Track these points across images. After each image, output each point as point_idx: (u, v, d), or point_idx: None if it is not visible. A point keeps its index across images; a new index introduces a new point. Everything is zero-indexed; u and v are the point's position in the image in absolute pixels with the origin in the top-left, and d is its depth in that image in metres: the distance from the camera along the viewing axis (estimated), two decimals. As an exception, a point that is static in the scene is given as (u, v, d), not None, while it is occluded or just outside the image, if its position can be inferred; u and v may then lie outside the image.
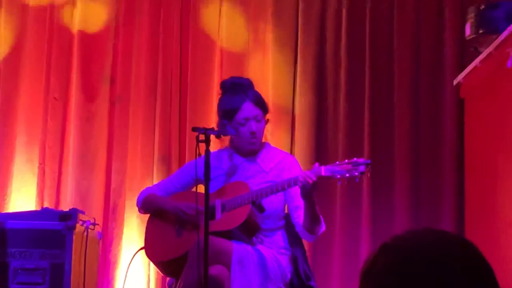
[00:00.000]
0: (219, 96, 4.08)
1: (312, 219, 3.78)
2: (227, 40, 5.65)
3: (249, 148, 3.98)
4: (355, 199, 5.29)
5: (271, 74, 5.52)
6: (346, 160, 3.69)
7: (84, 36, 5.72)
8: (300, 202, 3.79)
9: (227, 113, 3.95)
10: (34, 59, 5.70)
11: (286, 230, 3.98)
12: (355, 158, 3.70)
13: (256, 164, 4.00)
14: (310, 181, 3.61)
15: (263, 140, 4.09)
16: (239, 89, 3.97)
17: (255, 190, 3.81)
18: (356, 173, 3.64)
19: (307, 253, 4.17)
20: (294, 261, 3.94)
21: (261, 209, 3.82)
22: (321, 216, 3.83)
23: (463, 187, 5.14)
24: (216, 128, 3.92)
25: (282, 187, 3.72)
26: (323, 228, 3.87)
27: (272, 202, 3.86)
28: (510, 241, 4.17)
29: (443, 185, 5.28)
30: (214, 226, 3.78)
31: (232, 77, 4.21)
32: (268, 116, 4.05)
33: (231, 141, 4.05)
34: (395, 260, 1.34)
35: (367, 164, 3.65)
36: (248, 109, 3.92)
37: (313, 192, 3.67)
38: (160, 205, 4.05)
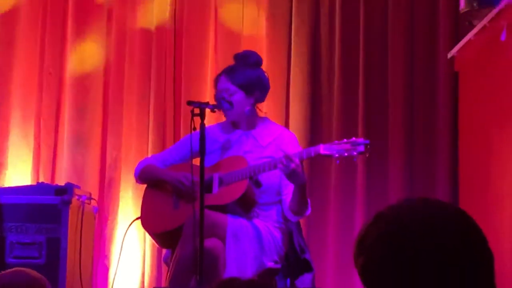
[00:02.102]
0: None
1: (299, 201, 3.79)
2: (222, 15, 5.64)
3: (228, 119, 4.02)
4: (350, 171, 5.30)
5: (265, 51, 5.51)
6: (345, 140, 3.70)
7: (79, 8, 5.70)
8: None
9: (214, 84, 4.04)
10: (27, 33, 5.68)
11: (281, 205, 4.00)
12: (354, 138, 3.71)
13: (253, 139, 4.01)
14: (292, 166, 3.60)
15: (261, 115, 4.10)
16: (236, 61, 4.03)
17: (253, 165, 3.83)
18: (355, 153, 3.65)
19: (302, 226, 4.19)
20: (288, 234, 3.96)
21: (258, 184, 3.83)
22: (308, 199, 3.84)
23: (457, 159, 5.15)
24: (210, 103, 3.93)
25: (274, 165, 3.73)
26: (308, 210, 3.88)
27: (269, 178, 3.87)
28: (503, 212, 4.20)
29: (437, 158, 5.30)
30: (210, 199, 3.79)
31: (245, 50, 4.27)
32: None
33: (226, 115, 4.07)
34: (389, 230, 1.34)
35: (366, 144, 3.66)
36: (221, 81, 4.00)
37: (294, 174, 3.66)
38: (158, 176, 4.06)
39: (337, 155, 3.66)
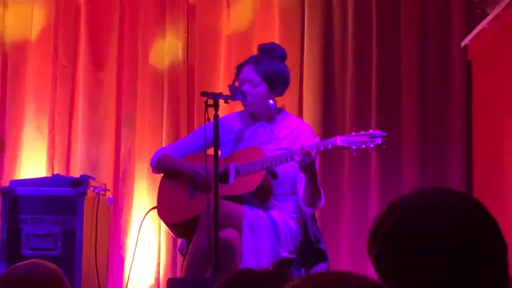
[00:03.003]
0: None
1: (311, 192, 3.79)
2: (233, 4, 5.64)
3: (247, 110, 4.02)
4: (363, 161, 5.29)
5: (277, 38, 5.51)
6: (362, 132, 3.69)
7: (92, 2, 5.71)
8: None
9: (236, 72, 4.03)
10: (41, 27, 5.70)
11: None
12: (371, 130, 3.71)
13: (270, 130, 4.02)
14: (307, 159, 3.61)
15: (280, 106, 4.11)
16: (261, 53, 4.03)
17: (269, 156, 3.83)
18: (372, 145, 3.65)
19: (316, 217, 4.20)
20: (304, 224, 3.97)
21: (274, 175, 3.83)
22: (321, 190, 3.84)
23: (471, 148, 5.14)
24: (224, 93, 3.94)
25: (291, 157, 3.73)
26: (322, 202, 3.88)
27: (285, 169, 3.87)
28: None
29: (451, 147, 5.28)
30: (227, 190, 3.80)
31: (271, 42, 4.24)
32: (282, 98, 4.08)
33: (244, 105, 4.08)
34: (402, 220, 1.35)
35: (383, 137, 3.66)
36: (246, 71, 3.97)
37: (309, 167, 3.67)
38: (175, 166, 4.07)
39: (354, 147, 3.66)
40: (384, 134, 3.68)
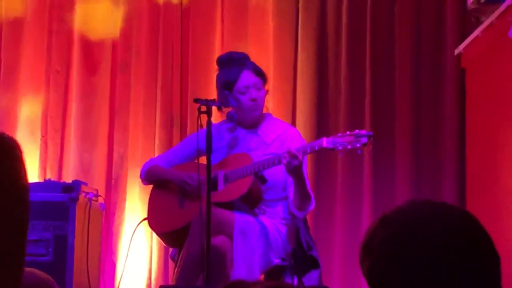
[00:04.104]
0: (216, 72, 4.10)
1: (301, 195, 3.79)
2: (227, 6, 5.63)
3: (250, 116, 3.99)
4: (357, 169, 5.29)
5: (271, 40, 5.51)
6: (348, 132, 3.70)
7: (86, 7, 5.71)
8: None
9: (227, 84, 3.97)
10: (34, 31, 5.68)
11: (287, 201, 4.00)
12: (357, 130, 3.70)
13: (257, 136, 4.02)
14: (294, 162, 3.60)
15: (264, 111, 4.10)
16: (236, 62, 4.00)
17: (257, 161, 3.83)
18: (358, 145, 3.65)
19: (309, 224, 4.19)
20: (296, 231, 3.96)
21: (263, 180, 3.83)
22: (311, 193, 3.84)
23: (464, 157, 5.14)
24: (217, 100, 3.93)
25: (278, 161, 3.73)
26: (312, 205, 3.88)
27: (274, 174, 3.87)
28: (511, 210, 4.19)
29: (444, 155, 5.28)
30: (216, 197, 3.80)
31: (228, 52, 4.25)
32: (267, 86, 4.07)
33: (230, 114, 4.06)
34: (395, 232, 1.34)
35: (369, 136, 3.66)
36: (247, 77, 3.96)
37: (296, 170, 3.67)
38: (164, 176, 4.07)
39: (340, 148, 3.65)
40: (370, 133, 3.67)
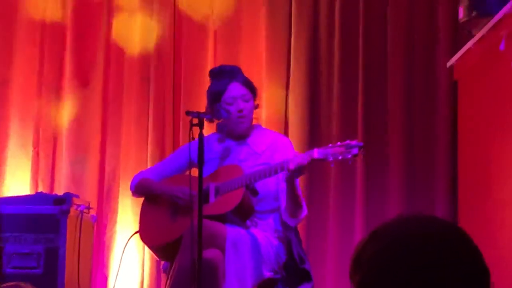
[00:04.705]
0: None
1: (294, 202, 3.79)
2: (218, 15, 5.64)
3: (238, 128, 3.99)
4: (349, 182, 5.30)
5: (264, 47, 5.53)
6: (339, 143, 3.69)
7: (78, 19, 5.70)
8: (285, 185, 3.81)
9: (215, 95, 3.99)
10: (26, 43, 5.68)
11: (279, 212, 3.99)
12: (347, 141, 3.70)
13: (247, 147, 4.01)
14: (305, 163, 3.62)
15: (255, 122, 4.10)
16: (227, 74, 4.01)
17: (249, 173, 3.82)
18: (349, 156, 3.64)
19: (301, 236, 4.18)
20: (288, 244, 3.96)
21: (254, 192, 3.83)
22: (303, 201, 3.84)
23: (456, 169, 5.15)
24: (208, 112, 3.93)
25: (275, 171, 3.73)
26: (304, 212, 3.88)
27: (265, 185, 3.86)
28: (504, 222, 4.19)
29: (436, 168, 5.29)
30: (208, 209, 3.78)
31: (221, 65, 4.26)
32: (259, 101, 4.08)
33: (220, 125, 4.06)
34: (384, 247, 1.34)
35: (360, 147, 3.65)
36: (235, 88, 3.96)
37: (298, 176, 3.69)
38: (154, 190, 4.06)
39: (331, 159, 3.65)
40: (361, 144, 3.67)
